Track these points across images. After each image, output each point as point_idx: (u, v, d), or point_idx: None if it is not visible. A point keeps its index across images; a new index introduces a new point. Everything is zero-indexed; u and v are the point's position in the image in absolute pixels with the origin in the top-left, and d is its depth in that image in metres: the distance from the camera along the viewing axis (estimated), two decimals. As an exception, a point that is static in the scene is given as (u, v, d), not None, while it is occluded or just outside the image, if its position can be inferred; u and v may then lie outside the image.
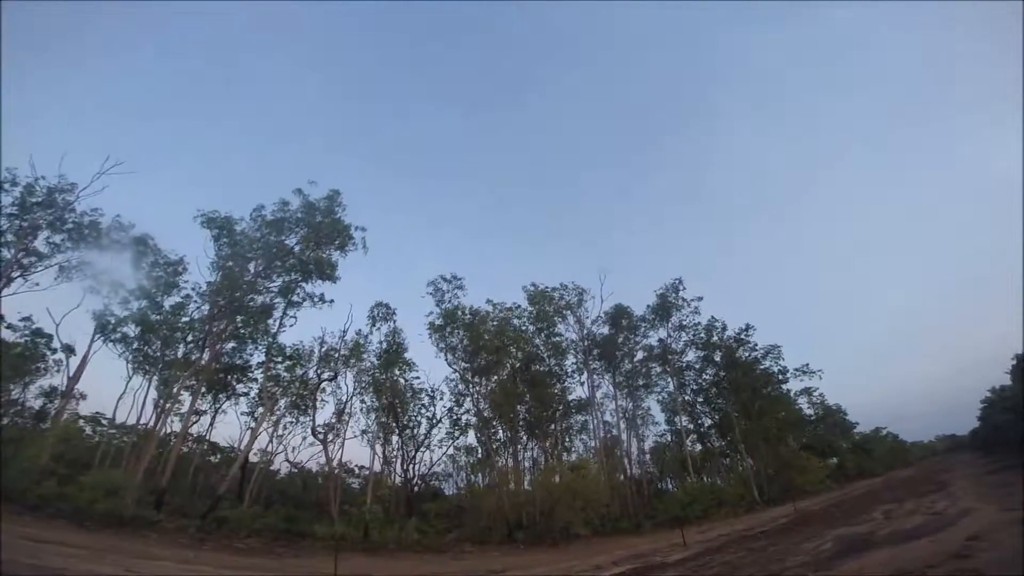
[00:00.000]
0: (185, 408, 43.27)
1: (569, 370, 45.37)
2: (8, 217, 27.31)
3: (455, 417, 40.63)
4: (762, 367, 51.53)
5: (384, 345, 37.84)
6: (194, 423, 43.71)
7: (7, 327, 34.41)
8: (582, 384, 44.97)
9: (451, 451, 45.94)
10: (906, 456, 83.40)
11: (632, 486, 43.31)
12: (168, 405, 34.74)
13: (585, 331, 45.45)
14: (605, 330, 46.58)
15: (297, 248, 34.03)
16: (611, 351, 46.02)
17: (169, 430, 41.22)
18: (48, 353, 37.75)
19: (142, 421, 38.62)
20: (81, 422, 43.78)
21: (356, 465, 54.27)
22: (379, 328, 38.25)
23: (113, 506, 21.36)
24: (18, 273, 27.39)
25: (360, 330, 38.51)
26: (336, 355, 36.44)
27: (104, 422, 44.78)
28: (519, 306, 44.21)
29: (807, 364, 54.44)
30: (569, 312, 45.54)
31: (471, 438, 43.32)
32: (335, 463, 42.39)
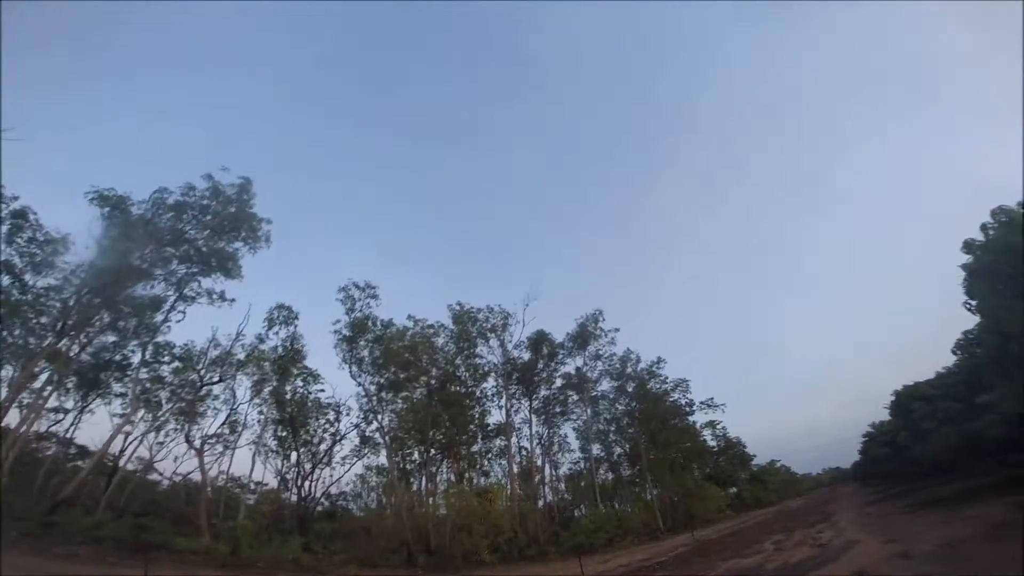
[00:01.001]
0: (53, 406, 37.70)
1: (489, 393, 43.47)
2: None
3: (363, 434, 37.15)
4: (671, 399, 52.34)
5: (280, 351, 33.93)
6: (56, 422, 37.51)
7: None
8: (500, 408, 43.04)
9: (361, 470, 42.42)
10: (797, 487, 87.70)
11: (544, 513, 41.53)
12: (17, 398, 29.24)
13: (507, 355, 43.65)
14: (525, 355, 45.08)
15: (197, 237, 30.15)
16: (530, 376, 44.61)
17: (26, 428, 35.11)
18: None
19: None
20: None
21: (252, 481, 48.78)
22: (277, 332, 34.22)
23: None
24: None
25: (259, 334, 34.17)
26: (229, 359, 32.42)
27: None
28: (442, 325, 41.96)
29: (712, 398, 55.67)
30: (493, 335, 43.69)
31: (382, 457, 39.90)
32: (221, 474, 37.99)
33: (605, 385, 50.01)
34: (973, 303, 27.32)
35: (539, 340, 44.52)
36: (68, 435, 35.83)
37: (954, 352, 37.51)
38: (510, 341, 43.92)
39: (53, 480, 32.33)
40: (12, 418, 30.66)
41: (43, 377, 33.35)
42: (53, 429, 37.75)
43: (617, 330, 47.88)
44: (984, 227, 26.53)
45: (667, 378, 52.01)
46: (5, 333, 31.95)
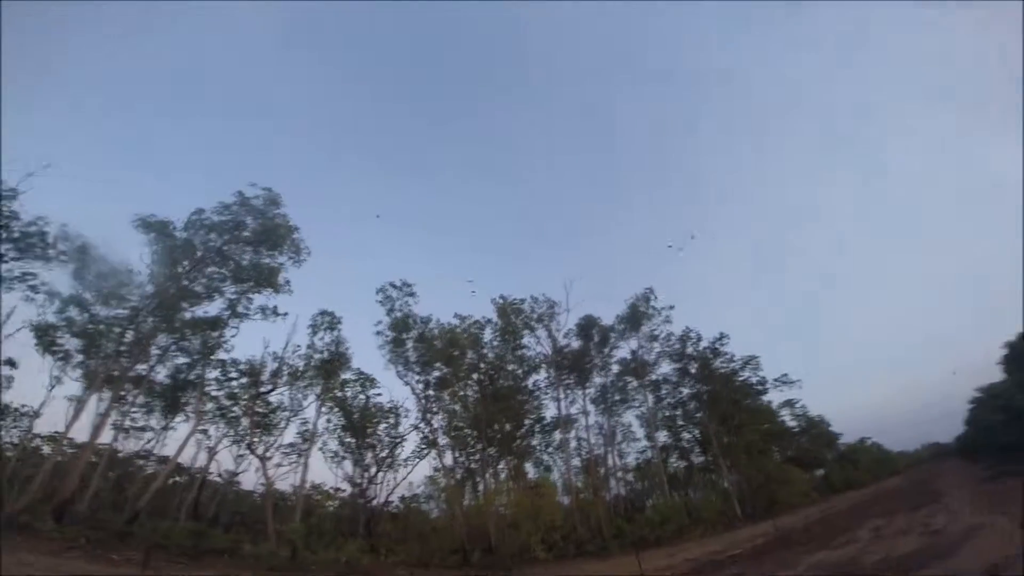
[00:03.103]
0: (140, 425, 39.46)
1: (541, 385, 40.62)
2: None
3: (423, 435, 35.60)
4: (740, 378, 46.56)
5: (326, 355, 33.12)
6: (149, 441, 39.17)
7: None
8: (556, 400, 39.98)
9: (429, 471, 41.19)
10: (893, 465, 76.90)
11: (609, 505, 38.04)
12: (107, 419, 30.25)
13: (556, 344, 40.60)
14: (575, 344, 41.76)
15: (238, 254, 29.98)
16: (582, 364, 41.19)
17: (120, 447, 36.94)
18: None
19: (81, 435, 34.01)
20: (37, 440, 39.20)
21: (331, 487, 49.04)
22: (322, 338, 33.46)
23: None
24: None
25: (310, 343, 33.45)
26: (291, 370, 32.19)
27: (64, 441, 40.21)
28: (489, 320, 39.77)
29: (786, 374, 49.26)
30: (540, 324, 40.87)
31: (447, 458, 38.35)
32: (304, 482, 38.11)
33: (665, 368, 45.43)
34: None
35: (588, 325, 41.13)
36: (151, 451, 36.82)
37: None
38: (558, 330, 40.86)
39: (129, 490, 33.17)
40: (106, 438, 32.29)
41: (129, 399, 35.13)
42: (145, 447, 39.67)
43: (672, 307, 42.99)
44: None
45: (733, 356, 46.18)
46: (89, 361, 33.50)
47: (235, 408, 34.68)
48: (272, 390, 31.99)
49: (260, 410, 33.49)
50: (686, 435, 48.57)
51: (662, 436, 46.95)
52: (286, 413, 34.06)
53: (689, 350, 45.35)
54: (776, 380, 48.85)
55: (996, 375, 50.34)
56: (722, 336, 45.79)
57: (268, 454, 31.89)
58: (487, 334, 39.23)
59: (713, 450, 42.35)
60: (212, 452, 36.41)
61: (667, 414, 47.05)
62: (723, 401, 43.43)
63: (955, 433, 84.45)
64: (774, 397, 50.74)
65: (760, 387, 47.80)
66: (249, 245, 29.86)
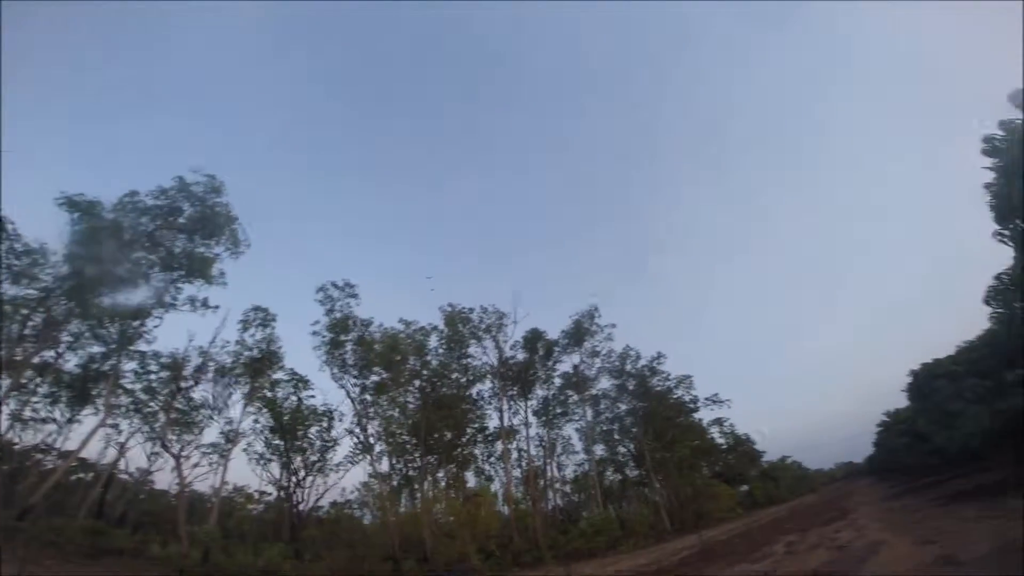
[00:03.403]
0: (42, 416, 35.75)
1: (486, 395, 40.36)
2: None
3: (358, 440, 34.27)
4: (674, 396, 48.66)
5: (256, 353, 31.38)
6: (51, 434, 35.45)
7: None
8: (499, 411, 39.81)
9: (366, 478, 39.72)
10: (811, 483, 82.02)
11: (547, 516, 38.07)
12: (1, 407, 27.35)
13: (502, 356, 40.51)
14: (520, 356, 41.94)
15: (171, 241, 27.92)
16: (526, 376, 41.42)
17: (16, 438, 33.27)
18: None
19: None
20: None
21: (255, 490, 46.21)
22: (253, 335, 31.70)
23: None
24: None
25: (239, 340, 31.54)
26: (217, 367, 30.16)
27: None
28: (435, 327, 39.08)
29: (716, 394, 51.47)
30: (487, 335, 40.63)
31: (384, 464, 37.08)
32: (224, 484, 35.67)
33: (605, 383, 46.43)
34: (1004, 232, 20.90)
35: (534, 338, 41.36)
36: (52, 444, 33.47)
37: (987, 302, 28.39)
38: (505, 341, 40.78)
39: (22, 485, 30.12)
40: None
41: (31, 388, 31.75)
42: (46, 440, 35.88)
43: (614, 326, 44.19)
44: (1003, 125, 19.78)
45: (669, 375, 48.34)
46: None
47: (152, 403, 32.28)
48: (194, 386, 29.86)
49: (180, 406, 31.34)
50: (622, 449, 49.57)
51: (599, 450, 47.79)
52: (208, 411, 31.96)
53: (628, 367, 46.67)
54: (707, 399, 51.01)
55: (902, 401, 54.43)
56: (659, 355, 47.52)
57: (185, 453, 29.69)
58: (433, 341, 38.62)
59: (646, 464, 43.49)
60: (122, 448, 33.60)
61: (604, 428, 47.97)
62: (658, 418, 45.00)
63: (866, 454, 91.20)
64: (705, 415, 53.17)
65: (693, 405, 50.01)
66: (183, 232, 27.86)
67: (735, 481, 58.88)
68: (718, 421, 58.57)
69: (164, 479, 42.20)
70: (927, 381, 41.33)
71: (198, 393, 30.97)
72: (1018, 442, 28.50)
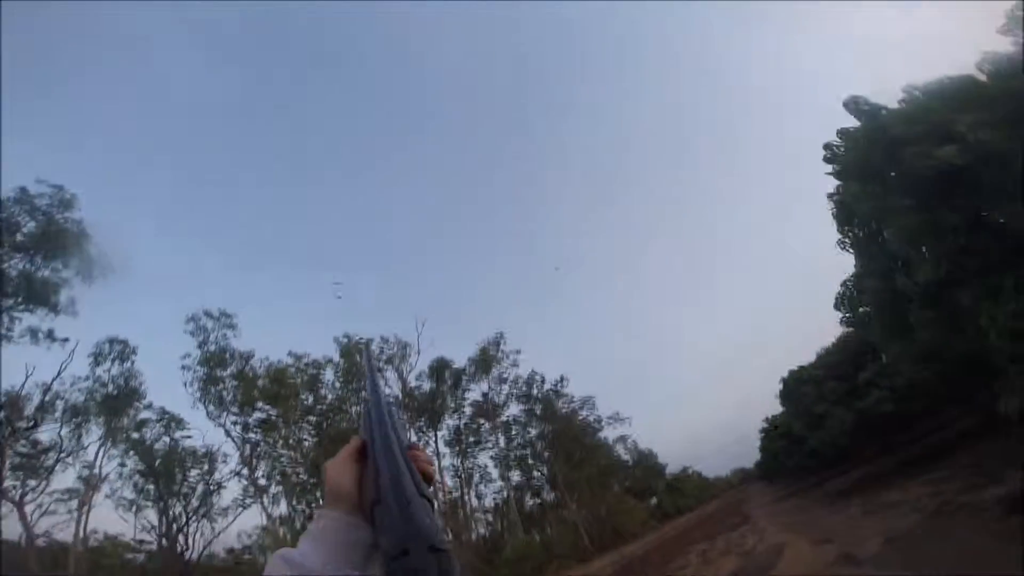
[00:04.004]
0: None
1: (391, 428, 38.29)
2: None
3: (247, 482, 30.57)
4: (580, 417, 49.49)
5: (112, 389, 27.21)
6: None
7: None
8: None
9: (265, 521, 35.45)
10: (711, 491, 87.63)
11: (473, 547, 36.50)
12: None
13: (406, 387, 38.82)
14: (426, 386, 40.66)
15: (4, 261, 23.04)
16: (434, 407, 40.13)
17: None
18: None
19: None
20: None
21: (132, 539, 39.53)
22: (108, 370, 27.55)
23: None
24: None
25: (88, 375, 27.13)
26: (67, 405, 25.48)
27: None
28: (330, 359, 36.44)
29: (617, 412, 52.94)
30: (389, 366, 38.76)
31: (283, 506, 33.27)
32: (75, 533, 29.96)
33: (515, 409, 46.23)
34: (846, 239, 20.93)
35: (440, 367, 40.27)
36: None
37: (836, 308, 28.27)
38: (409, 371, 39.20)
39: None
40: None
41: None
42: None
43: (519, 352, 44.25)
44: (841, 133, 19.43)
45: (573, 397, 49.02)
46: None
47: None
48: (35, 427, 25.02)
49: (23, 449, 26.13)
50: (536, 473, 49.51)
51: (515, 476, 47.36)
52: (59, 454, 26.95)
53: (535, 392, 46.76)
54: (609, 418, 52.29)
55: (778, 407, 58.92)
56: (562, 378, 48.04)
57: (29, 499, 24.79)
58: (329, 374, 36.04)
59: (560, 486, 43.75)
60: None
61: (518, 454, 47.64)
62: (566, 439, 45.45)
63: (754, 458, 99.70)
64: (609, 433, 54.17)
65: (597, 425, 50.97)
66: (21, 252, 23.22)
67: (644, 495, 60.96)
68: (622, 439, 60.43)
69: (13, 529, 35.30)
70: (795, 387, 43.35)
71: (44, 434, 25.92)
72: (878, 438, 32.39)
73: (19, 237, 22.77)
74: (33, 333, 23.63)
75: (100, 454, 28.26)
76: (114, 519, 30.83)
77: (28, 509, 24.80)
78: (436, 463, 37.65)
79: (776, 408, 59.35)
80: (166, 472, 29.02)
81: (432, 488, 0.80)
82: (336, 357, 36.24)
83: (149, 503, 30.16)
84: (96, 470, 28.23)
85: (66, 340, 24.78)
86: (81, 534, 27.56)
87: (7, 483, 24.23)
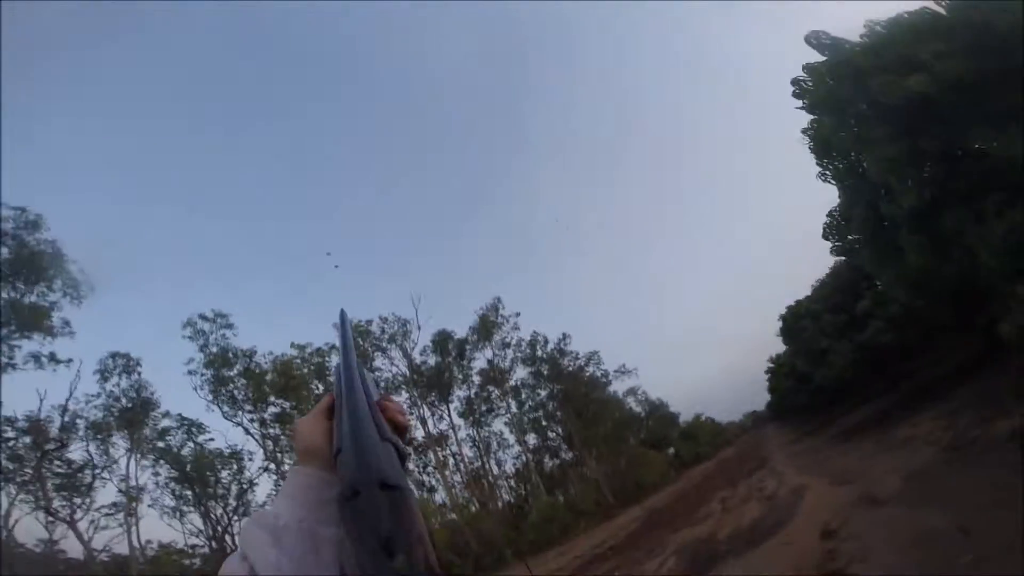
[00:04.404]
0: None
1: (405, 406, 39.06)
2: None
3: (278, 475, 31.49)
4: (587, 374, 50.34)
5: (125, 403, 27.88)
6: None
7: None
8: (420, 420, 38.79)
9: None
10: (726, 436, 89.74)
11: (498, 514, 37.82)
12: None
13: (411, 363, 39.35)
14: (432, 360, 41.17)
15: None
16: (442, 380, 40.78)
17: None
18: None
19: None
20: None
21: (185, 545, 41.14)
22: (117, 384, 28.07)
23: None
24: None
25: (98, 392, 27.69)
26: (88, 423, 26.19)
27: None
28: (333, 346, 36.81)
29: (623, 364, 53.83)
30: (393, 345, 39.17)
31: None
32: (129, 542, 31.33)
33: (522, 372, 47.08)
34: (826, 171, 20.53)
35: (443, 340, 40.80)
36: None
37: (825, 238, 25.16)
38: (413, 348, 39.67)
39: None
40: None
41: None
42: None
43: (518, 314, 44.91)
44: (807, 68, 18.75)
45: (578, 354, 49.78)
46: None
47: (25, 470, 27.49)
48: (62, 447, 25.72)
49: (59, 470, 27.00)
50: (551, 434, 50.66)
51: (532, 439, 48.59)
52: (94, 470, 27.95)
53: (539, 353, 47.53)
54: (616, 371, 53.24)
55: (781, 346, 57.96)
56: (565, 336, 48.66)
57: (79, 517, 25.95)
58: (333, 360, 36.46)
59: (576, 444, 44.86)
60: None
61: (531, 416, 48.74)
62: (576, 397, 46.36)
63: (764, 400, 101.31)
64: (618, 387, 55.58)
65: (605, 379, 52.01)
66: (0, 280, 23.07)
67: (660, 445, 62.56)
68: (632, 391, 61.63)
69: (74, 547, 37.12)
70: (794, 323, 42.12)
71: (76, 453, 26.75)
72: (881, 371, 32.34)
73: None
74: (36, 358, 24.08)
75: (132, 465, 29.32)
76: (162, 527, 32.32)
77: (82, 526, 25.88)
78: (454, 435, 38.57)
79: (780, 347, 59.30)
80: (199, 476, 29.92)
81: (407, 437, 0.82)
82: (338, 342, 36.73)
83: (190, 508, 31.32)
84: (133, 482, 29.32)
85: (69, 361, 25.31)
86: (137, 544, 28.93)
87: (55, 503, 25.22)
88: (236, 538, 32.45)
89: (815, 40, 18.33)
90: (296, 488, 0.72)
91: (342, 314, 1.09)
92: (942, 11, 14.49)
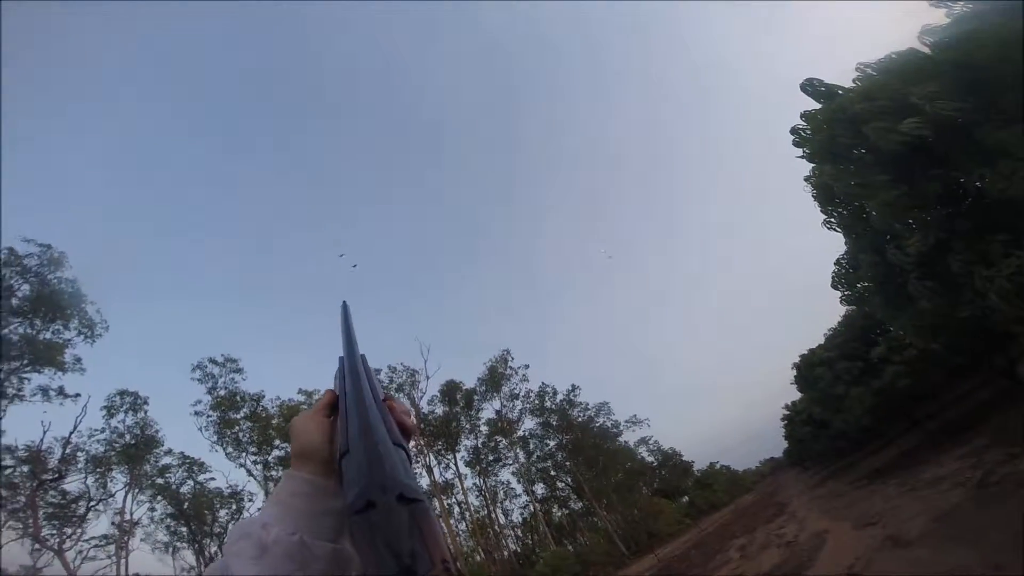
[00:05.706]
0: None
1: (411, 454, 38.39)
2: None
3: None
4: (597, 424, 49.66)
5: (129, 439, 27.66)
6: None
7: None
8: (426, 468, 37.90)
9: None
10: (743, 483, 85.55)
11: (504, 564, 36.08)
12: None
13: (420, 412, 38.96)
14: (439, 409, 40.73)
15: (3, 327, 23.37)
16: (449, 429, 40.23)
17: None
18: None
19: None
20: None
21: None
22: (123, 421, 28.10)
23: None
24: None
25: (103, 427, 27.70)
26: (88, 457, 25.94)
27: None
28: None
29: (635, 415, 53.04)
30: (400, 394, 38.95)
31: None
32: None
33: (530, 423, 46.50)
34: (831, 219, 19.98)
35: (450, 390, 40.45)
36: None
37: (834, 287, 26.79)
38: (420, 397, 39.33)
39: None
40: None
41: None
42: None
43: (527, 366, 44.84)
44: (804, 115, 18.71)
45: (587, 404, 49.36)
46: None
47: (18, 498, 27.08)
48: (59, 479, 25.39)
49: (53, 500, 26.85)
50: (560, 484, 49.24)
51: (540, 488, 47.45)
52: (89, 503, 27.56)
53: (548, 404, 47.10)
54: (628, 421, 52.39)
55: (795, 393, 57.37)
56: (574, 387, 48.20)
57: (67, 547, 25.56)
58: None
59: (586, 494, 43.28)
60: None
61: (539, 467, 47.74)
62: (585, 447, 45.54)
63: (781, 446, 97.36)
64: (630, 437, 54.30)
65: (615, 430, 51.14)
66: (18, 316, 23.42)
67: (675, 494, 60.09)
68: (643, 441, 60.04)
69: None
70: (808, 371, 41.53)
71: (73, 485, 26.55)
72: (902, 414, 31.44)
73: (15, 301, 23.04)
74: (44, 391, 24.25)
75: (128, 500, 28.95)
76: (151, 562, 31.44)
77: (69, 556, 25.30)
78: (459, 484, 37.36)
79: (794, 394, 58.27)
80: (196, 514, 29.27)
81: (412, 443, 0.72)
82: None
83: (184, 544, 30.81)
84: (127, 516, 28.71)
85: (77, 395, 25.47)
86: (123, 576, 27.91)
87: (44, 532, 24.61)
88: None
89: (810, 88, 18.78)
90: (289, 495, 0.63)
91: (344, 306, 0.99)
92: (927, 51, 14.75)
